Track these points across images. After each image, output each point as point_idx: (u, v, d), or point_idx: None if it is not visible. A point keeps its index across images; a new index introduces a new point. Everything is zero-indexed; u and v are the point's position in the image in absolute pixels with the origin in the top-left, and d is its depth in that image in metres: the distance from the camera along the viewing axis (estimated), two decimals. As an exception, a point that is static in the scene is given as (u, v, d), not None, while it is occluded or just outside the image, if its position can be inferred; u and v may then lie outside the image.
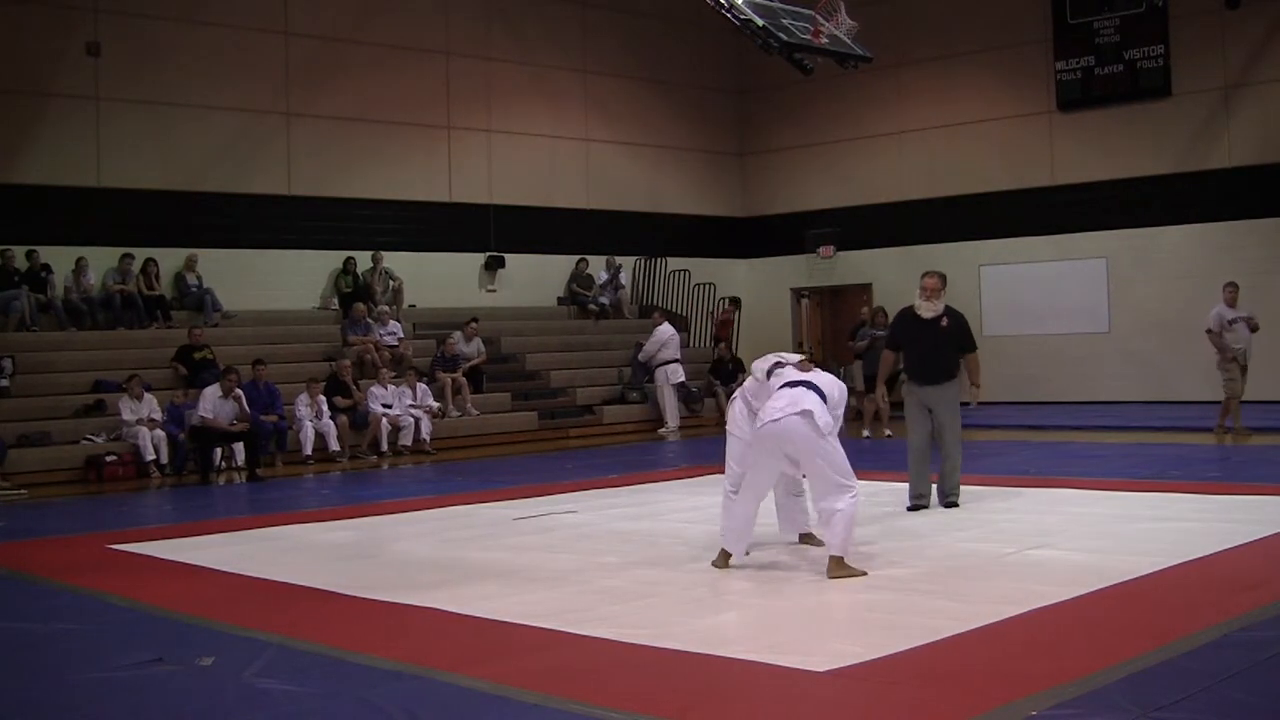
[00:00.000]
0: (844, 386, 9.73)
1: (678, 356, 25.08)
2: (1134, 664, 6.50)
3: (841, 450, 9.33)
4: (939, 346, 12.33)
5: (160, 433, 19.02)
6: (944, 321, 12.31)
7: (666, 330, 25.21)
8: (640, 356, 25.28)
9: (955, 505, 12.19)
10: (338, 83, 24.64)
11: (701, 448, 21.20)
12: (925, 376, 12.35)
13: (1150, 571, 8.84)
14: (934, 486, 12.37)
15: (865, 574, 9.01)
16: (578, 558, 10.39)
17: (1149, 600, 8.09)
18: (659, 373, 24.88)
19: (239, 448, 19.08)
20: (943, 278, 12.58)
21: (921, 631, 7.29)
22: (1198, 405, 23.72)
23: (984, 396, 12.82)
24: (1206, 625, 7.23)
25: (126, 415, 19.02)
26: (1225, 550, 9.63)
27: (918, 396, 12.41)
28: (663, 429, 24.40)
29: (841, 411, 9.63)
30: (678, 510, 13.18)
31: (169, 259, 22.39)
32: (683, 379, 25.04)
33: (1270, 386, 23.86)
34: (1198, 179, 25.24)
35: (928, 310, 12.35)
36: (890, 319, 22.46)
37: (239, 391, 18.89)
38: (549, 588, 9.12)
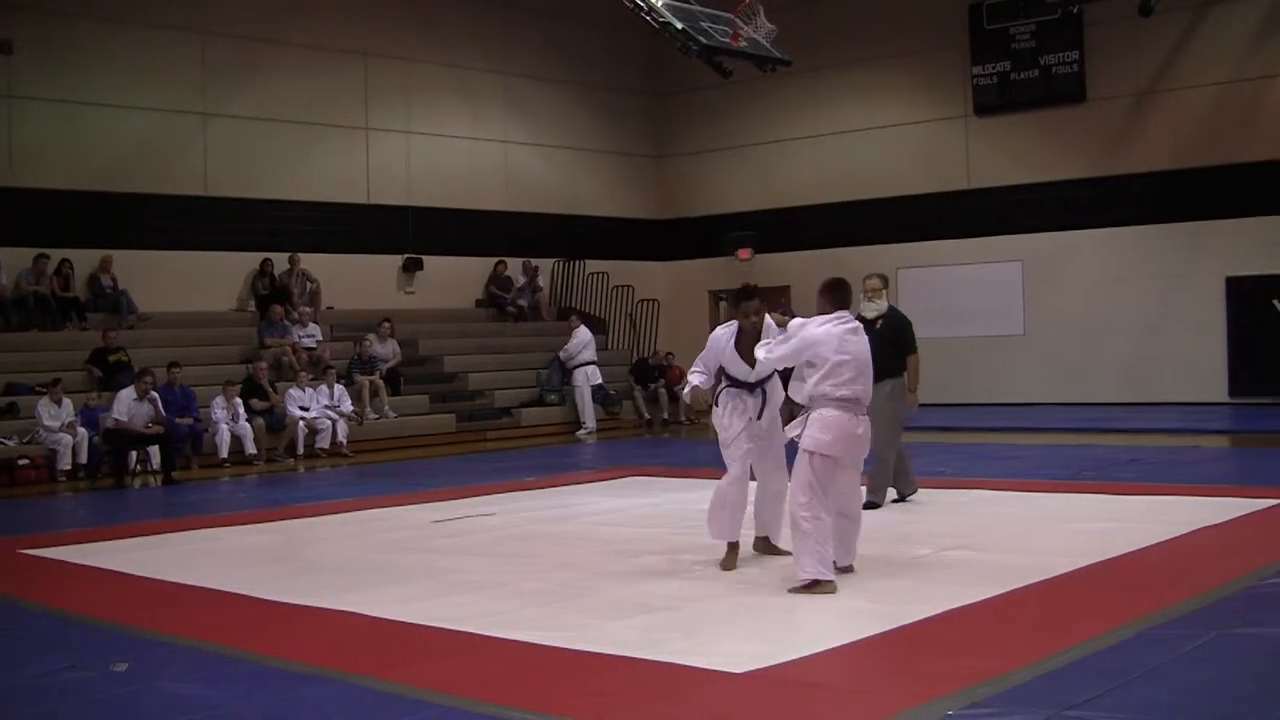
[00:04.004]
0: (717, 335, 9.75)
1: (595, 359, 25.10)
2: (1048, 663, 6.56)
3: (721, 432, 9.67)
4: (874, 347, 12.42)
5: (82, 432, 18.79)
6: (879, 323, 12.44)
7: (585, 333, 25.23)
8: (561, 355, 25.26)
9: (875, 506, 12.21)
10: (255, 83, 24.45)
11: (620, 449, 21.23)
12: None
13: (1064, 571, 8.93)
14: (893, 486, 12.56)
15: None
16: (497, 560, 10.37)
17: (1063, 600, 8.17)
18: (578, 374, 24.88)
19: (154, 451, 18.88)
20: (884, 279, 12.83)
21: (839, 633, 7.34)
22: (1112, 407, 24.00)
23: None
24: (1119, 624, 7.31)
25: (47, 420, 18.71)
26: (1137, 550, 9.74)
27: None
28: (581, 430, 24.41)
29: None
30: (597, 512, 13.21)
31: (84, 260, 22.12)
32: (600, 381, 25.05)
33: (1187, 389, 24.20)
34: (1112, 183, 25.50)
35: (870, 310, 12.53)
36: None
37: (154, 394, 18.70)
38: (468, 591, 9.10)
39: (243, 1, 24.43)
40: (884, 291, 12.70)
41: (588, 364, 24.93)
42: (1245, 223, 24.04)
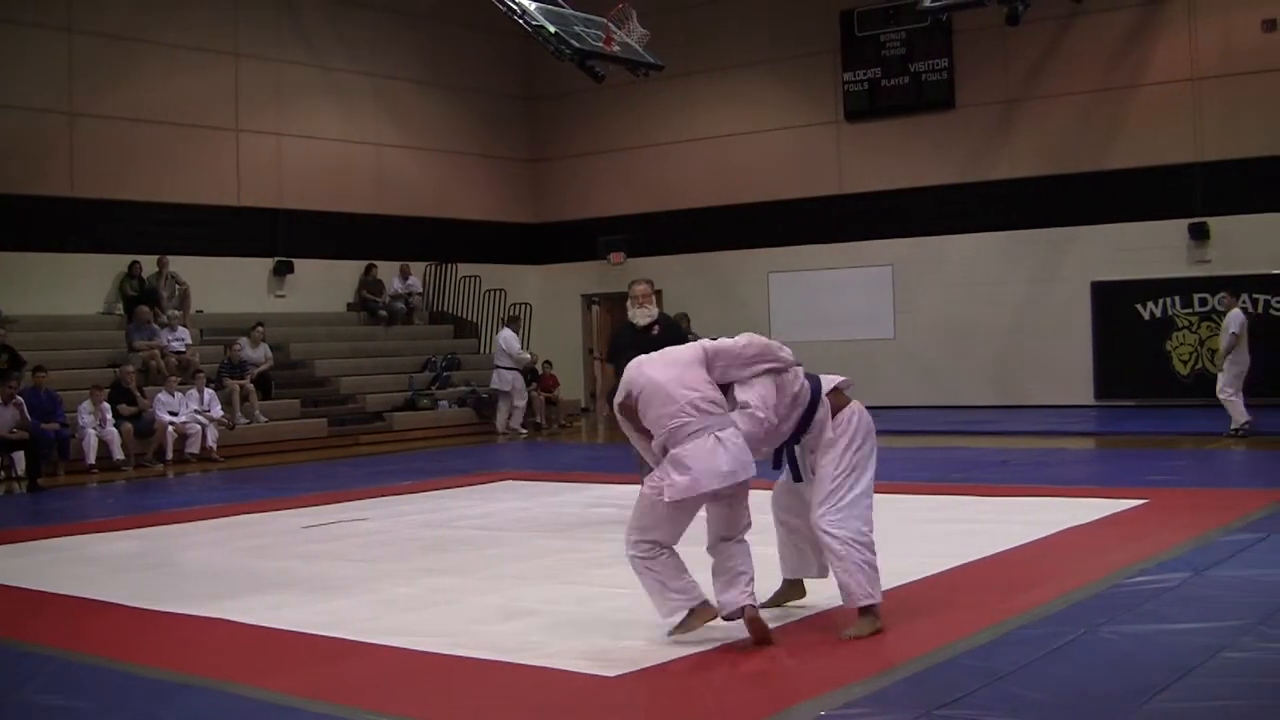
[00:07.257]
0: None
1: (503, 363, 24.94)
2: (918, 663, 6.66)
3: None
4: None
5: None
6: (655, 329, 12.26)
7: (500, 336, 25.24)
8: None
9: None
10: (123, 82, 24.07)
11: (493, 454, 21.21)
12: None
13: (932, 573, 9.04)
14: None
15: None
16: (368, 566, 10.31)
17: (930, 601, 8.25)
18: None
19: (19, 457, 18.55)
20: (651, 284, 12.44)
21: (710, 635, 7.36)
22: (979, 410, 24.33)
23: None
24: (985, 625, 7.44)
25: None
26: (1003, 551, 9.89)
27: None
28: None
29: None
30: (470, 516, 13.18)
31: (-55, 262, 21.73)
32: (496, 386, 24.99)
33: (1053, 392, 24.58)
34: (980, 189, 25.91)
35: (642, 317, 12.27)
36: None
37: (19, 399, 18.38)
38: (339, 597, 9.04)
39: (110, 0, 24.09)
40: (653, 297, 12.35)
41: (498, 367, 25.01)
42: (1110, 228, 24.51)
